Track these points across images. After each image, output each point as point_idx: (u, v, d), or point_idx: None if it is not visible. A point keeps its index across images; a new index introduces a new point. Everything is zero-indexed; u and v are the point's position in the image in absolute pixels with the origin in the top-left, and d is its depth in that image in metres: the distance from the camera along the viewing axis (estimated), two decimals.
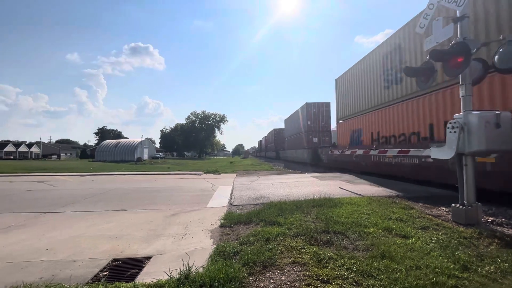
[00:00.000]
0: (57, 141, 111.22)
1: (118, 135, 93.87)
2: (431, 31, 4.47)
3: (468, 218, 3.92)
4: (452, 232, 3.57)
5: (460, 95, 4.09)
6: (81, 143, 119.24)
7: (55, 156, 76.13)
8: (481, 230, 3.59)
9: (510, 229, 3.83)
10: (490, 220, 4.25)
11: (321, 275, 2.48)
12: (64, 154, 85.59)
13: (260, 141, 59.97)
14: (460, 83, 4.08)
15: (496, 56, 3.87)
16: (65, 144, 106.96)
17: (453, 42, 3.99)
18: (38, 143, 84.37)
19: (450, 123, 3.99)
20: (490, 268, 2.59)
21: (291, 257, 2.89)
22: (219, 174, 14.69)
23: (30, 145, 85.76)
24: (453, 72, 3.89)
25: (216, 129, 75.55)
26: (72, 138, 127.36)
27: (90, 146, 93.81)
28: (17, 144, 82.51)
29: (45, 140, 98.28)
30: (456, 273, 2.46)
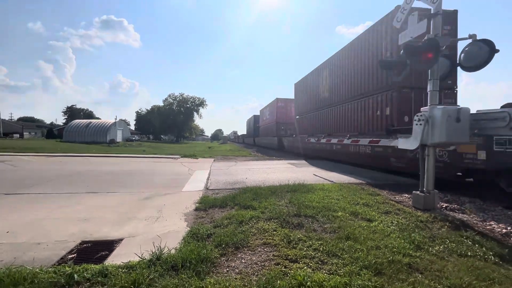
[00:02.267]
0: (20, 119, 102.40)
1: (89, 115, 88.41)
2: (406, 26, 4.62)
3: (426, 204, 4.28)
4: (411, 216, 3.89)
5: (428, 89, 4.34)
6: (48, 122, 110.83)
7: (17, 135, 70.38)
8: (436, 215, 3.95)
9: (460, 214, 4.25)
10: (444, 206, 4.67)
11: (290, 255, 2.61)
12: (28, 133, 79.25)
13: (255, 116, 36.38)
14: (429, 78, 4.32)
15: (462, 54, 4.13)
16: (29, 122, 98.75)
17: (425, 38, 4.17)
18: None
19: (417, 115, 4.24)
20: (440, 247, 2.88)
21: (263, 239, 3.00)
22: (197, 158, 14.54)
23: None
24: (422, 67, 4.09)
25: (195, 113, 73.79)
26: (36, 116, 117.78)
27: (58, 125, 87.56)
28: None
29: (6, 117, 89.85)
30: (411, 252, 2.72)
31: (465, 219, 3.98)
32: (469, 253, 2.75)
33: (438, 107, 4.04)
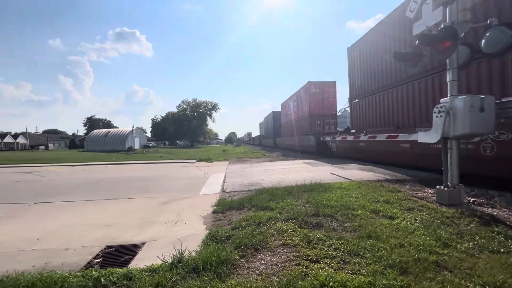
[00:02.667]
0: (44, 132, 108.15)
1: (107, 124, 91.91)
2: (420, 15, 4.46)
3: (451, 199, 4.09)
4: (435, 212, 3.73)
5: (447, 79, 4.15)
6: (70, 133, 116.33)
7: (43, 147, 74.34)
8: (463, 210, 3.76)
9: (490, 209, 4.02)
10: (472, 201, 4.44)
11: (310, 255, 2.57)
12: (52, 145, 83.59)
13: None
14: (448, 67, 4.14)
15: (483, 41, 3.93)
16: (53, 134, 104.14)
17: (442, 26, 4.00)
18: (24, 134, 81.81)
19: (437, 107, 4.07)
20: (469, 244, 2.74)
21: (282, 240, 2.98)
22: (212, 162, 14.70)
23: (15, 136, 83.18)
24: (441, 57, 3.92)
25: (208, 117, 75.05)
26: (59, 128, 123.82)
27: (79, 136, 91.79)
28: (2, 135, 79.86)
29: (32, 130, 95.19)
30: (437, 249, 2.60)
31: (495, 213, 3.77)
32: (501, 250, 2.59)
33: (459, 97, 3.86)
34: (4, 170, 13.02)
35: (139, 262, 2.66)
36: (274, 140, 30.56)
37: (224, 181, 7.43)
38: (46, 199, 5.86)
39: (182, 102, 75.22)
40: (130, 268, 2.46)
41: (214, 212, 4.32)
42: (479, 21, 4.88)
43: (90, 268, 2.52)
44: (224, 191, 6.04)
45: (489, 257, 2.48)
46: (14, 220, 4.32)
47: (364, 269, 2.27)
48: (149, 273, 2.32)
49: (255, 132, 64.05)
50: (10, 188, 7.51)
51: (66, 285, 2.15)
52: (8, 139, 78.82)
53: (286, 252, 2.70)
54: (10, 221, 4.26)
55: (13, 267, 2.55)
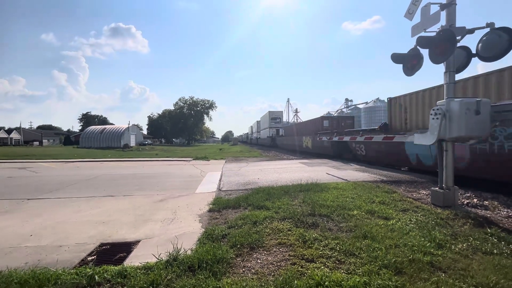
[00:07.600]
0: (39, 127, 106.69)
1: (103, 121, 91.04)
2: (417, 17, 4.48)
3: (446, 200, 4.13)
4: (430, 214, 3.76)
5: (444, 82, 4.19)
6: (65, 129, 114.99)
7: (37, 143, 73.30)
8: (457, 212, 3.80)
9: (483, 211, 4.07)
10: (466, 203, 4.50)
11: (306, 255, 2.58)
12: (46, 141, 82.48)
13: None
14: (444, 70, 4.17)
15: (480, 44, 3.96)
16: (47, 130, 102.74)
17: (439, 29, 4.03)
18: (18, 129, 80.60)
19: (434, 109, 4.11)
20: (463, 245, 2.77)
21: (278, 239, 2.98)
22: (208, 160, 14.66)
23: (9, 131, 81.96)
24: (438, 59, 3.95)
25: (205, 116, 74.54)
26: (54, 124, 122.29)
27: (74, 132, 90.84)
28: None
29: (26, 126, 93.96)
30: (432, 250, 2.62)
31: (488, 215, 3.82)
32: (495, 251, 2.63)
33: (455, 99, 3.90)
34: None
35: (134, 260, 2.64)
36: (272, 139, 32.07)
37: (220, 180, 7.41)
38: (40, 195, 5.78)
39: (179, 100, 74.65)
40: (125, 265, 2.44)
41: (210, 210, 4.31)
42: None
43: (84, 266, 2.49)
44: (220, 190, 6.02)
45: (483, 258, 2.51)
46: (7, 216, 4.25)
47: (359, 269, 2.29)
48: (144, 271, 2.31)
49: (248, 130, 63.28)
50: (3, 184, 7.40)
51: (59, 282, 2.12)
52: (1, 134, 77.61)
53: (282, 252, 2.70)
54: (3, 217, 4.20)
55: (6, 263, 2.51)
